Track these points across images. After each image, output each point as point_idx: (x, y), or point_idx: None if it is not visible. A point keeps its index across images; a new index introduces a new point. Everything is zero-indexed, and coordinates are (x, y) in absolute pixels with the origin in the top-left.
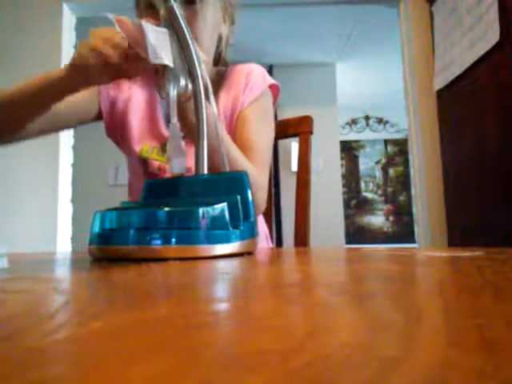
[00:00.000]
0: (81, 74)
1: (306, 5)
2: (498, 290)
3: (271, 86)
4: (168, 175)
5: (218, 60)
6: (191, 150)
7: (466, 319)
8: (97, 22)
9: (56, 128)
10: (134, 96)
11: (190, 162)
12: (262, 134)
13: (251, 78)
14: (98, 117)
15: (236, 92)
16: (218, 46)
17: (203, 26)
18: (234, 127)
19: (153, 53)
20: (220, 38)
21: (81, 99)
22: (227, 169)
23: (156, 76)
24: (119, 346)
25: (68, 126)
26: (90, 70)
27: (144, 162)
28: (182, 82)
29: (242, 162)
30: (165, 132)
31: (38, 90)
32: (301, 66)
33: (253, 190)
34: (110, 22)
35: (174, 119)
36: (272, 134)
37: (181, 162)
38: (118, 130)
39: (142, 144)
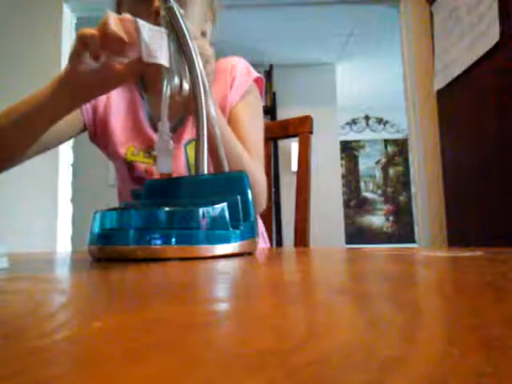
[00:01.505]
0: (75, 66)
1: (306, 5)
2: (498, 289)
3: (255, 79)
4: (155, 178)
5: None
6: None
7: (466, 319)
8: (97, 21)
9: (48, 147)
10: (114, 98)
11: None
12: (254, 129)
13: (236, 74)
14: (85, 127)
15: (223, 89)
16: None
17: (190, 20)
18: None
19: (146, 51)
20: (203, 35)
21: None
22: (226, 169)
23: (137, 77)
24: (119, 346)
25: (59, 143)
26: (84, 54)
27: (130, 165)
28: (176, 80)
29: (243, 158)
30: (149, 132)
31: (37, 110)
32: (301, 66)
33: (255, 188)
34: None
35: (165, 118)
36: (262, 128)
37: (168, 161)
38: (101, 135)
39: (127, 146)
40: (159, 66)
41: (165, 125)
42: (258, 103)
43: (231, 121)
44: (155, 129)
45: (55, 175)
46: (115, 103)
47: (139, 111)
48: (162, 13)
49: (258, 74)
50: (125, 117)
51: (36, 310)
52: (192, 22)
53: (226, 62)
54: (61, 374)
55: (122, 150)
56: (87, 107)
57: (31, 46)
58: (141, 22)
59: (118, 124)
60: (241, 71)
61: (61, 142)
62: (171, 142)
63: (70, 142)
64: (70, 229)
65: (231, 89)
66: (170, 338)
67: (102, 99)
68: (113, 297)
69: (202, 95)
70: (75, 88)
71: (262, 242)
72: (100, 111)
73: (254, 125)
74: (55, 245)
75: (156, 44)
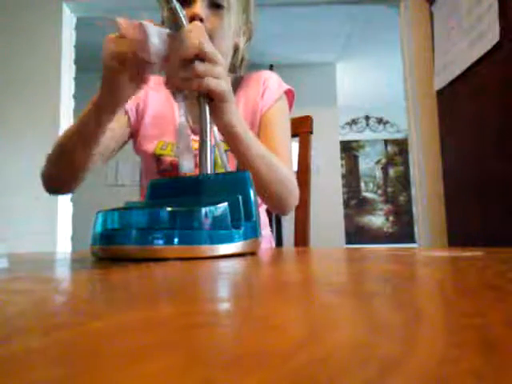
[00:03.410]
0: (112, 81)
1: (306, 5)
2: (498, 289)
3: (286, 92)
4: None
5: (231, 70)
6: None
7: (466, 319)
8: (97, 22)
9: (108, 157)
10: (152, 94)
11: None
12: (283, 135)
13: (268, 84)
14: (131, 131)
15: (254, 97)
16: (233, 56)
17: (225, 31)
18: (257, 131)
19: (155, 53)
20: (236, 49)
21: (114, 128)
22: (228, 169)
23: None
24: (119, 346)
25: (112, 157)
26: (118, 70)
27: (158, 159)
28: None
29: (279, 167)
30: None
31: (86, 125)
32: (301, 66)
33: (292, 193)
34: (111, 23)
35: (182, 118)
36: (290, 133)
37: (189, 161)
38: (136, 129)
39: (158, 140)
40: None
41: (183, 126)
42: (286, 111)
43: (262, 125)
44: (188, 126)
45: None
46: (153, 99)
47: (174, 108)
48: (166, 13)
49: (289, 87)
50: (160, 112)
51: (36, 310)
52: (226, 34)
53: (259, 75)
54: (61, 374)
55: (152, 144)
56: (132, 109)
57: (31, 46)
58: (146, 24)
59: (153, 119)
60: (272, 83)
61: (116, 151)
62: (191, 142)
63: None
64: (69, 229)
65: (262, 97)
66: (170, 337)
67: (141, 96)
68: (113, 297)
69: (205, 96)
70: (115, 93)
71: (268, 243)
72: (140, 108)
73: (283, 131)
74: (55, 245)
75: (163, 45)
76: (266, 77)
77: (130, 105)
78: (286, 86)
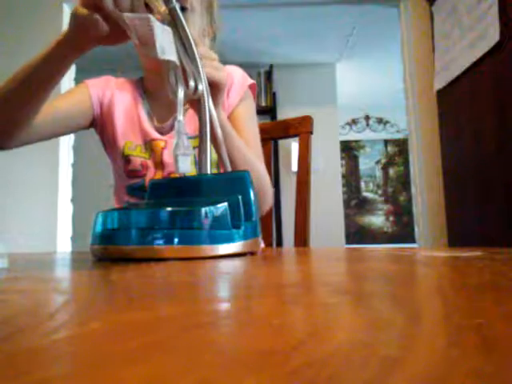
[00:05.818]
0: (81, 30)
1: (306, 5)
2: (498, 289)
3: (250, 86)
4: (150, 172)
5: None
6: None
7: (466, 319)
8: None
9: (54, 133)
10: (118, 95)
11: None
12: (253, 130)
13: (233, 80)
14: (93, 121)
15: None
16: None
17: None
18: None
19: (160, 48)
20: None
21: (76, 102)
22: (229, 169)
23: (137, 80)
24: (119, 346)
25: (66, 132)
26: (88, 21)
27: (126, 159)
28: (192, 82)
29: (254, 162)
30: (147, 128)
31: (39, 67)
32: (301, 66)
33: (264, 189)
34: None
35: (180, 116)
36: (259, 133)
37: (187, 162)
38: (104, 129)
39: (125, 140)
40: (168, 66)
41: (181, 124)
42: (253, 106)
43: (231, 123)
44: (153, 126)
45: (55, 175)
46: (119, 100)
47: (139, 109)
48: (164, 14)
49: (252, 81)
50: (126, 113)
51: (36, 310)
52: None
53: None
54: (61, 374)
55: (120, 144)
56: (96, 101)
57: (31, 46)
58: (152, 18)
59: (120, 119)
60: (237, 78)
61: (72, 129)
62: (187, 141)
63: (71, 142)
64: (70, 229)
65: (229, 94)
66: (170, 337)
67: (108, 95)
68: (113, 297)
69: (206, 96)
70: (80, 41)
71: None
72: (105, 106)
73: (253, 126)
74: (55, 245)
75: (166, 41)
76: (228, 72)
77: (95, 96)
78: (249, 81)
